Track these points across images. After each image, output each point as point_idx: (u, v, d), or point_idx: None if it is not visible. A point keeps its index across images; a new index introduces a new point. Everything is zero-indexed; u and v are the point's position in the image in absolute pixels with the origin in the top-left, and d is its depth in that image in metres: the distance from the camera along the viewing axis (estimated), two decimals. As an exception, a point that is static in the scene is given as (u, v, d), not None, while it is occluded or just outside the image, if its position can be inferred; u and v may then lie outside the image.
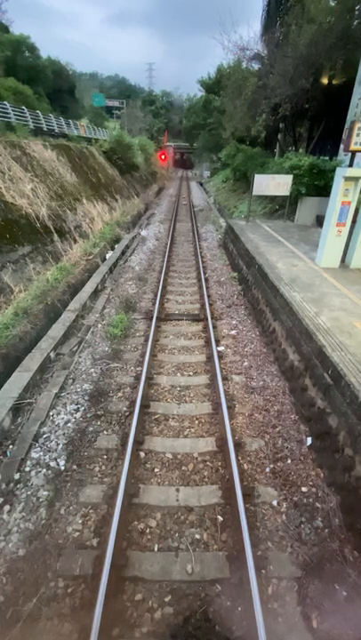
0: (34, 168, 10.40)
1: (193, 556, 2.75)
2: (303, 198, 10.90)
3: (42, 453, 3.58)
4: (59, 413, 4.15)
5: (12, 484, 3.25)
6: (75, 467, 3.52)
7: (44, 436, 3.81)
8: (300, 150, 16.58)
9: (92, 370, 5.03)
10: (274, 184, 10.38)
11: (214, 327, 6.28)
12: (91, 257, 9.24)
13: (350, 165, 6.38)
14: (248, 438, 3.90)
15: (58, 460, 3.53)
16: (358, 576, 2.57)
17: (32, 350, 5.01)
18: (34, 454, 3.57)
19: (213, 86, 37.09)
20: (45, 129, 18.15)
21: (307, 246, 8.17)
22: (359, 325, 4.44)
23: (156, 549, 2.82)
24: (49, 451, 3.63)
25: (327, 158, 13.54)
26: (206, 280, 8.70)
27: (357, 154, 7.67)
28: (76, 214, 11.43)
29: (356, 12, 11.72)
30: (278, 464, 3.58)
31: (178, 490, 3.30)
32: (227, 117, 19.70)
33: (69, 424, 4.00)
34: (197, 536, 2.91)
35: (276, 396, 4.55)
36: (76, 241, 10.11)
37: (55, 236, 9.25)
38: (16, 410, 4.03)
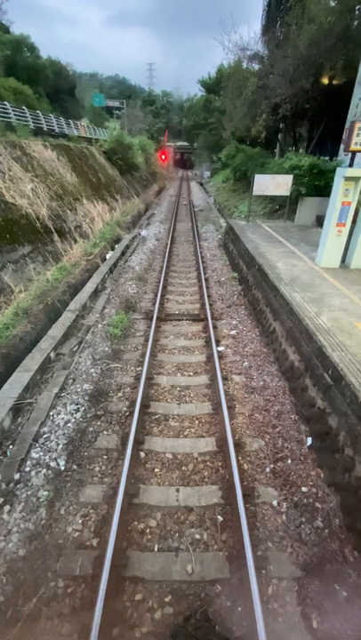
0: (34, 168, 10.40)
1: (193, 556, 2.75)
2: (303, 198, 10.90)
3: (42, 453, 3.58)
4: (59, 413, 4.15)
5: (12, 484, 3.24)
6: (75, 467, 3.52)
7: (44, 436, 3.81)
8: (301, 150, 16.56)
9: (93, 370, 5.03)
10: (274, 184, 10.38)
11: (214, 327, 6.27)
12: (91, 257, 9.25)
13: (350, 165, 6.37)
14: (248, 438, 3.90)
15: (58, 460, 3.53)
16: (359, 576, 2.57)
17: (32, 350, 5.01)
18: (34, 454, 3.57)
19: (214, 86, 37.16)
20: (46, 129, 18.18)
21: (307, 246, 8.17)
22: (359, 326, 4.44)
23: (156, 549, 2.81)
24: (49, 451, 3.62)
25: (327, 158, 13.54)
26: (206, 280, 8.70)
27: (358, 154, 7.65)
28: (77, 214, 11.44)
29: (357, 12, 11.72)
30: (278, 464, 3.58)
31: (178, 490, 3.30)
32: (227, 117, 19.70)
33: (69, 424, 3.99)
34: (197, 536, 2.91)
35: (277, 396, 4.55)
36: (76, 241, 10.11)
37: (55, 236, 9.25)
38: (16, 410, 4.03)
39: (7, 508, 3.04)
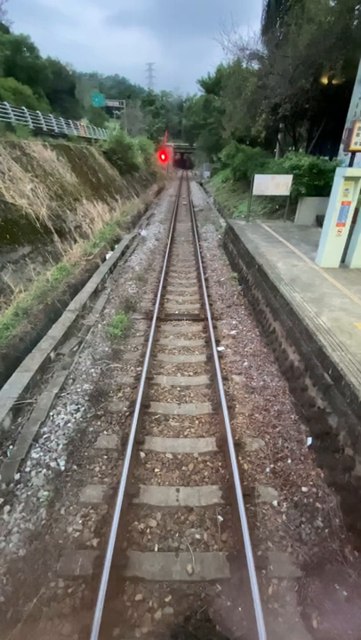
0: (34, 168, 10.40)
1: (193, 556, 2.75)
2: (303, 198, 10.90)
3: (42, 453, 3.58)
4: (59, 413, 4.15)
5: (12, 485, 3.25)
6: (75, 467, 3.52)
7: (45, 436, 3.81)
8: (300, 150, 16.57)
9: (93, 370, 5.03)
10: (274, 184, 10.38)
11: (214, 327, 6.27)
12: (91, 257, 9.25)
13: (350, 165, 6.37)
14: (248, 438, 3.90)
15: (58, 460, 3.53)
16: (359, 576, 2.57)
17: (32, 350, 5.01)
18: (34, 454, 3.57)
19: (213, 86, 37.13)
20: (45, 129, 18.18)
21: (307, 246, 8.17)
22: (359, 325, 4.44)
23: (156, 549, 2.81)
24: (49, 451, 3.63)
25: (327, 158, 13.54)
26: (206, 280, 8.70)
27: (357, 153, 7.65)
28: (76, 214, 11.44)
29: (356, 12, 11.72)
30: (279, 464, 3.58)
31: (178, 490, 3.30)
32: (227, 117, 19.70)
33: (69, 424, 4.00)
34: (198, 536, 2.91)
35: (277, 395, 4.55)
36: (76, 241, 10.11)
37: (55, 237, 9.25)
38: (16, 410, 4.03)
39: (7, 508, 3.05)
